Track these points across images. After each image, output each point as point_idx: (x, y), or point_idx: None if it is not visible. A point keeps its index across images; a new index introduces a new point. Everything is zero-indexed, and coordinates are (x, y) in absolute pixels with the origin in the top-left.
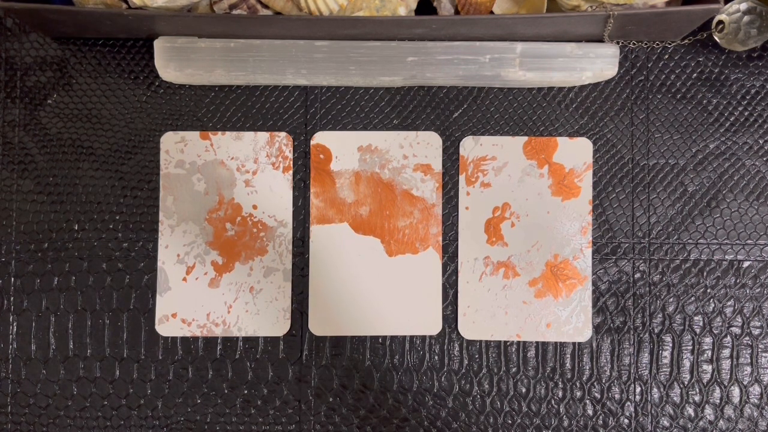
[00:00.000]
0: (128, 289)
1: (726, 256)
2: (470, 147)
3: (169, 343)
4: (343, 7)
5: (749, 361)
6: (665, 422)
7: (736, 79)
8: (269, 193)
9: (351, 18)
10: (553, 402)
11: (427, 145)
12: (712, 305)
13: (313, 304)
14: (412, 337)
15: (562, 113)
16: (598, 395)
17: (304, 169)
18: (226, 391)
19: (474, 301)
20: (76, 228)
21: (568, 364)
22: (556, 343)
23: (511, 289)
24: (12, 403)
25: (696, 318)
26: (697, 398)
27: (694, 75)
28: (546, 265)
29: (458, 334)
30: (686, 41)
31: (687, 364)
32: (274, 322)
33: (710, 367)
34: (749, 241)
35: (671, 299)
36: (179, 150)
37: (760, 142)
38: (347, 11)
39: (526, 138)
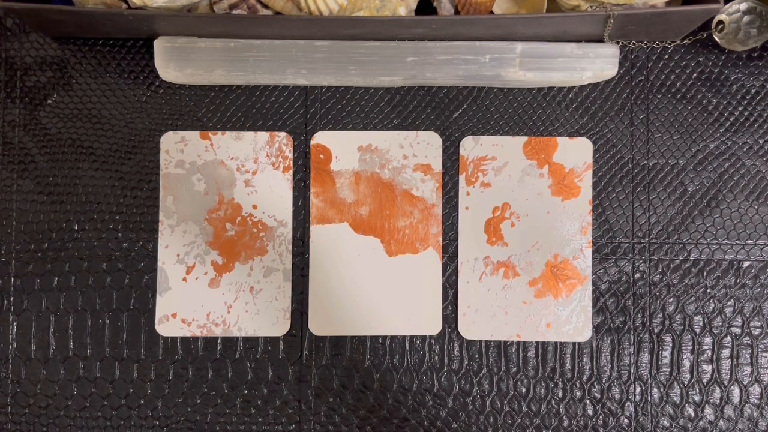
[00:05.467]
0: (128, 289)
1: (726, 256)
2: (470, 147)
3: (169, 343)
4: (343, 7)
5: (749, 361)
6: (665, 422)
7: (736, 79)
8: (269, 193)
9: (351, 18)
10: (553, 402)
11: (427, 145)
12: (712, 305)
13: (313, 304)
14: (412, 337)
15: (562, 113)
16: (598, 395)
17: (304, 169)
18: (226, 391)
19: (474, 301)
20: (76, 228)
21: (568, 364)
22: (556, 343)
23: (511, 289)
24: (12, 403)
25: (696, 318)
26: (697, 398)
27: (694, 75)
28: (546, 265)
29: (458, 334)
30: (686, 41)
31: (687, 364)
32: (274, 322)
33: (710, 367)
34: (749, 241)
35: (671, 299)
36: (179, 150)
37: (760, 142)
38: (347, 11)
39: (526, 138)
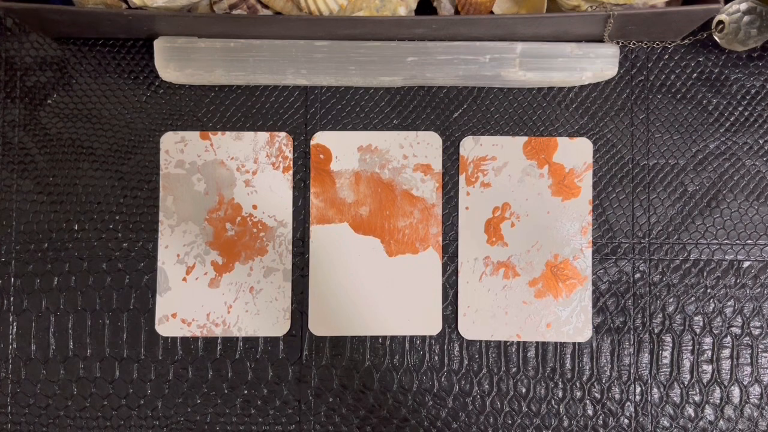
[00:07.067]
0: (128, 289)
1: (726, 256)
2: (470, 147)
3: (169, 343)
4: (343, 7)
5: (749, 361)
6: (665, 422)
7: (736, 79)
8: (269, 193)
9: (351, 18)
10: (553, 402)
11: (427, 145)
12: (712, 305)
13: (313, 304)
14: (412, 337)
15: (562, 113)
16: (598, 395)
17: (304, 169)
18: (226, 391)
19: (474, 301)
20: (76, 228)
21: (568, 364)
22: (556, 343)
23: (511, 289)
24: (12, 403)
25: (696, 318)
26: (697, 398)
27: (694, 75)
28: (546, 265)
29: (458, 334)
30: (686, 41)
31: (687, 364)
32: (274, 322)
33: (710, 367)
34: (749, 241)
35: (671, 299)
36: (179, 150)
37: (760, 142)
38: (347, 11)
39: (526, 138)
